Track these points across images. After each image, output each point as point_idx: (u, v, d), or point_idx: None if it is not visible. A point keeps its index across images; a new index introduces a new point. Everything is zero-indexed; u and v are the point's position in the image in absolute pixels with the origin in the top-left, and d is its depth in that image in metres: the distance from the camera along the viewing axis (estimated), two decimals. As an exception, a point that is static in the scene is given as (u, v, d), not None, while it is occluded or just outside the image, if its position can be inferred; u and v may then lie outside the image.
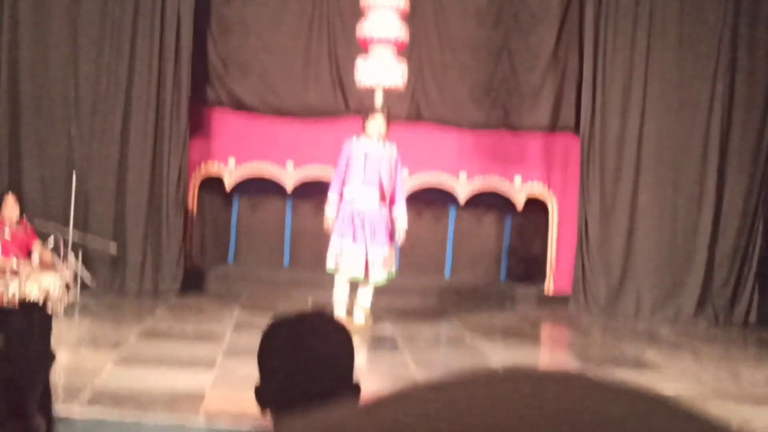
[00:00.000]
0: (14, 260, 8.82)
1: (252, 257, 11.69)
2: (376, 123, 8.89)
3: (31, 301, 3.03)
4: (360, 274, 8.82)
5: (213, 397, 6.47)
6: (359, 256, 8.77)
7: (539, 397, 0.47)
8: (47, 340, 2.28)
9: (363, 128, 8.98)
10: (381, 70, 9.26)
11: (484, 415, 0.45)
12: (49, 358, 2.30)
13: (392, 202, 9.06)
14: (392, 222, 9.00)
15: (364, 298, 9.06)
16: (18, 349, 2.20)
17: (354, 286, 9.10)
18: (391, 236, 9.00)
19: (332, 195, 8.98)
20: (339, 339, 2.10)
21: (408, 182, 11.08)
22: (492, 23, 11.11)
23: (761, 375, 8.26)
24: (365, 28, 9.34)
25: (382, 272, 8.88)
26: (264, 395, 2.08)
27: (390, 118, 9.07)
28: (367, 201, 8.85)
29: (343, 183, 8.95)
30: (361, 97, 9.95)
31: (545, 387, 0.48)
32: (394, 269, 9.08)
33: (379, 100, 9.31)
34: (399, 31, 9.31)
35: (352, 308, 9.15)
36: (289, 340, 2.06)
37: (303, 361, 2.03)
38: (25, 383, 2.23)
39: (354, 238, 8.76)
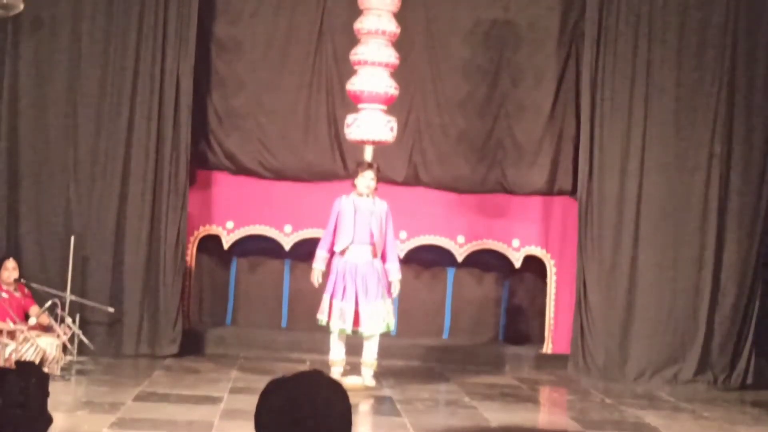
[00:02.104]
0: (11, 323, 8.80)
1: (250, 318, 11.66)
2: (365, 179, 9.01)
3: (29, 361, 3.01)
4: (347, 328, 8.90)
5: (210, 461, 6.42)
6: (348, 310, 8.89)
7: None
8: (44, 401, 2.27)
9: (353, 185, 9.09)
10: (370, 126, 9.34)
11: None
12: (46, 420, 2.28)
13: (384, 257, 9.14)
14: (386, 275, 9.10)
15: (369, 354, 9.10)
16: (15, 411, 2.19)
17: (357, 347, 9.13)
18: (386, 289, 9.08)
19: (320, 252, 9.18)
20: (336, 399, 2.09)
21: (405, 245, 11.11)
22: (489, 83, 11.20)
23: (762, 437, 8.21)
24: (355, 84, 9.43)
25: (374, 325, 8.94)
26: (261, 457, 2.07)
27: (379, 174, 9.18)
28: (359, 256, 8.96)
29: (333, 242, 9.06)
30: (358, 157, 9.98)
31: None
32: (391, 322, 9.11)
33: (368, 155, 9.38)
34: (388, 87, 9.39)
35: (350, 369, 9.16)
36: (286, 402, 2.05)
37: (300, 421, 2.03)
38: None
39: (343, 296, 8.88)
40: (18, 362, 2.37)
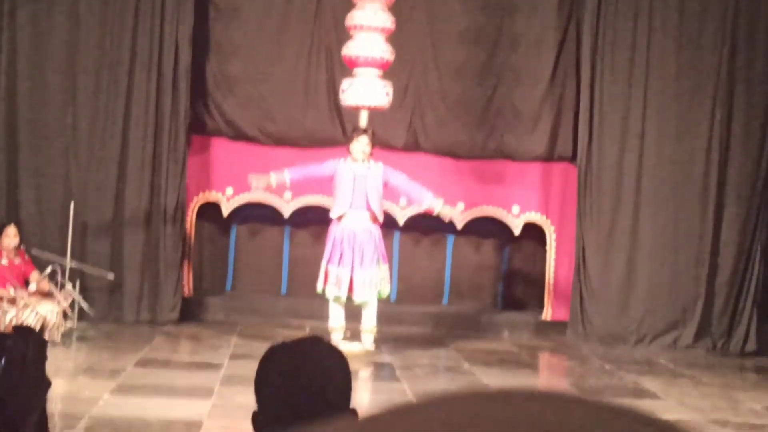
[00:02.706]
0: (11, 289, 8.81)
1: (250, 285, 11.67)
2: (360, 144, 8.99)
3: (27, 326, 3.01)
4: (342, 295, 8.92)
5: (210, 427, 6.45)
6: (344, 277, 8.91)
7: (536, 416, 0.47)
8: (42, 365, 2.27)
9: (348, 150, 9.07)
10: (365, 91, 9.30)
11: (480, 429, 0.45)
12: (45, 384, 2.28)
13: (413, 197, 9.32)
14: (382, 241, 9.15)
15: (368, 320, 9.14)
16: (13, 375, 2.19)
17: (357, 313, 9.15)
18: (382, 256, 9.09)
19: (287, 171, 9.20)
20: (335, 364, 2.09)
21: (405, 211, 11.11)
22: (489, 49, 11.14)
23: (760, 403, 8.24)
24: (351, 49, 9.38)
25: (367, 293, 8.96)
26: (261, 422, 2.08)
27: (375, 139, 9.15)
28: (356, 222, 8.97)
29: (304, 178, 9.27)
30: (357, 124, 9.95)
31: (542, 406, 0.48)
32: (385, 288, 9.14)
33: (363, 121, 9.35)
34: (384, 52, 9.33)
35: (350, 335, 9.19)
36: (285, 367, 2.06)
37: (300, 387, 2.03)
38: (22, 409, 2.22)
39: (340, 263, 8.89)
40: (16, 327, 2.37)
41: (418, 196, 9.33)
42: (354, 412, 2.08)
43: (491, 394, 0.49)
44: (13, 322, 8.39)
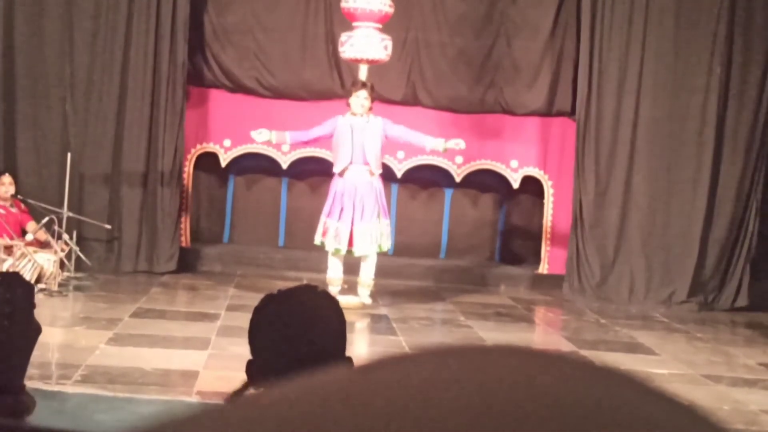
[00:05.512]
0: (8, 239, 8.82)
1: (247, 236, 11.68)
2: (359, 98, 8.94)
3: (13, 272, 3.02)
4: (342, 247, 8.92)
5: (207, 377, 6.48)
6: (343, 231, 8.91)
7: (528, 374, 0.47)
8: (31, 312, 2.27)
9: (347, 104, 9.02)
10: (364, 44, 9.23)
11: (476, 384, 0.45)
12: (34, 330, 2.28)
13: (416, 143, 9.28)
14: (383, 195, 9.15)
15: (366, 273, 9.15)
16: (2, 322, 2.19)
17: (356, 266, 9.15)
18: (383, 210, 9.08)
19: (289, 132, 9.19)
20: (329, 312, 2.09)
21: (403, 164, 11.09)
22: (489, 2, 11.05)
23: (753, 359, 8.29)
24: (349, 2, 9.30)
25: (367, 246, 8.96)
26: (255, 370, 2.08)
27: (374, 93, 9.10)
28: (357, 176, 8.95)
29: (304, 141, 9.32)
30: (356, 76, 9.89)
31: (535, 365, 0.48)
32: (386, 242, 9.13)
33: (363, 74, 9.30)
34: (383, 4, 9.24)
35: (347, 288, 9.21)
36: (279, 314, 2.05)
37: (294, 335, 2.03)
38: (10, 355, 2.22)
39: (340, 217, 8.90)
40: (2, 274, 2.37)
41: (420, 142, 9.30)
42: (349, 359, 2.08)
43: (489, 348, 0.49)
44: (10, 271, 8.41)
